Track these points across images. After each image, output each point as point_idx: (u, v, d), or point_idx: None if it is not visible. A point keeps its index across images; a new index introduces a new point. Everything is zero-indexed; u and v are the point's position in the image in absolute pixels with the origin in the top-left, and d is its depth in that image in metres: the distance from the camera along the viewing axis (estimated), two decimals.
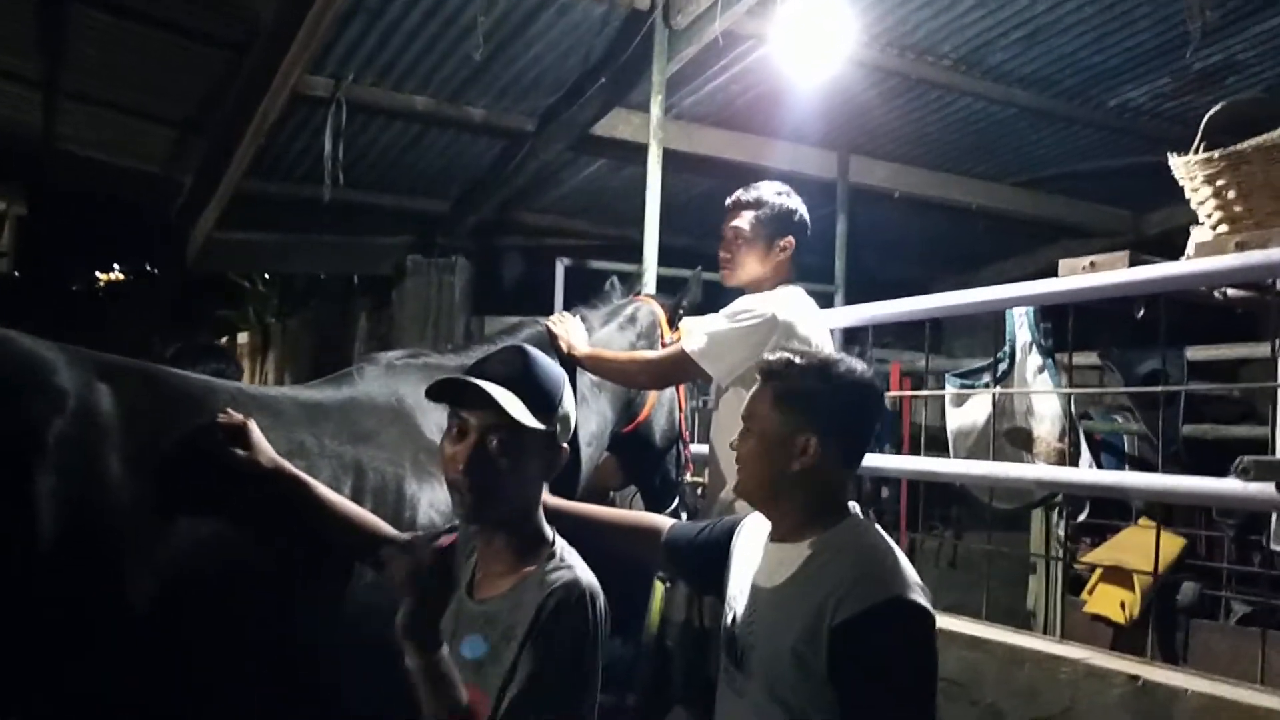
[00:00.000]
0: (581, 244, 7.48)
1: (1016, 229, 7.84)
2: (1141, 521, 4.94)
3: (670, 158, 4.45)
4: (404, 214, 7.53)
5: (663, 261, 4.42)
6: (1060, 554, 4.30)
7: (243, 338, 13.67)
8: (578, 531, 1.97)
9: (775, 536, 1.98)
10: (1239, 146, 2.43)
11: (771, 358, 1.99)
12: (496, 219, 7.50)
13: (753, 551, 2.04)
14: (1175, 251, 3.07)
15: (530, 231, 7.85)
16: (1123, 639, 4.58)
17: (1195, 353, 4.67)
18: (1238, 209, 2.45)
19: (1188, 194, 2.61)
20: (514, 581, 1.86)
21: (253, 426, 2.18)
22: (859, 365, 1.97)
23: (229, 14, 5.20)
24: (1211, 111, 2.58)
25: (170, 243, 8.66)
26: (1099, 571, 4.85)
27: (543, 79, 5.50)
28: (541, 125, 5.93)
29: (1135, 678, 2.44)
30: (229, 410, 2.19)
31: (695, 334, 2.96)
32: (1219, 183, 2.47)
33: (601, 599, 1.83)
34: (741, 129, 6.19)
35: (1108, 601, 4.64)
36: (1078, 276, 2.64)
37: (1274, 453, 3.96)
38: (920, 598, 1.78)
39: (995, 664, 2.79)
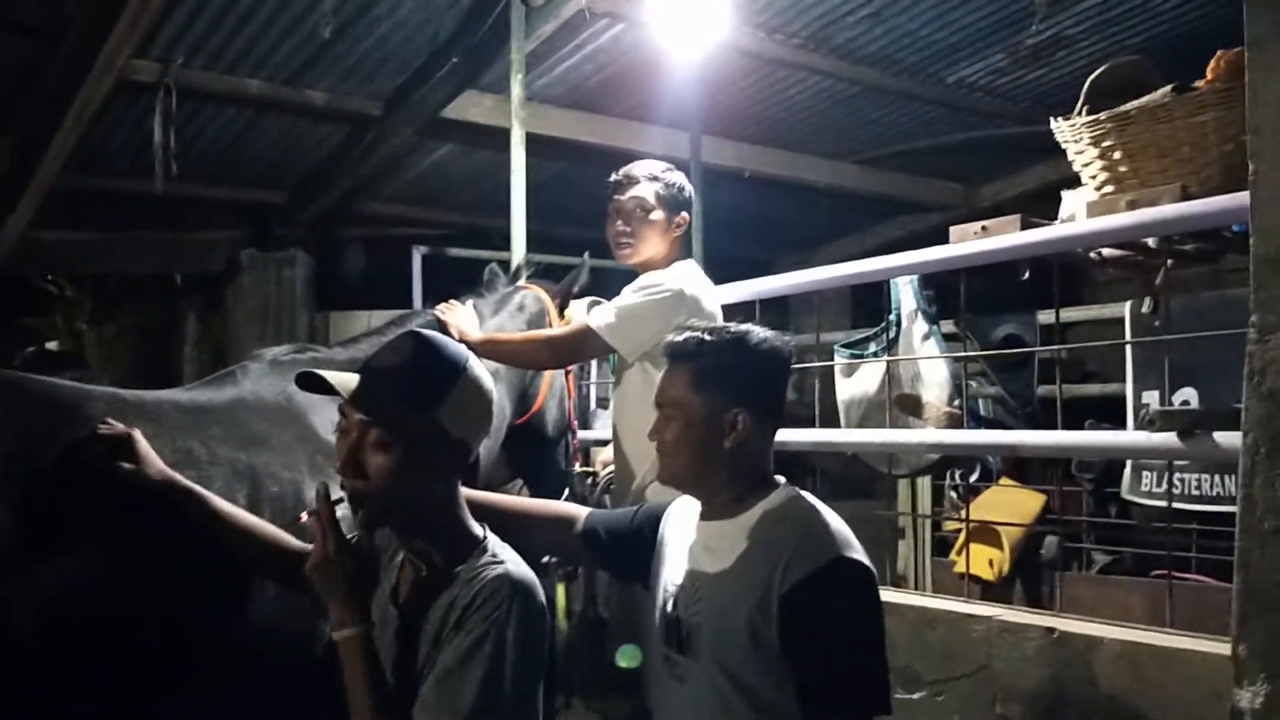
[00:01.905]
0: (429, 233, 7.24)
1: (856, 206, 8.05)
2: (1002, 481, 5.13)
3: None
4: (236, 206, 7.11)
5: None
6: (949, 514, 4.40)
7: (52, 346, 12.72)
8: (486, 523, 1.86)
9: (709, 516, 1.93)
10: (1124, 108, 2.50)
11: (679, 338, 1.93)
12: (338, 209, 7.16)
13: (683, 535, 1.99)
14: None
15: (375, 221, 7.54)
16: (991, 595, 4.74)
17: (1045, 316, 4.86)
18: (1123, 169, 2.53)
19: (1071, 155, 2.68)
20: (444, 584, 1.73)
21: (137, 435, 1.98)
22: (767, 332, 1.95)
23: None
24: (1094, 75, 2.65)
25: None
26: (963, 532, 5.01)
27: (389, 60, 5.27)
28: (388, 109, 5.69)
29: (1050, 630, 2.50)
30: (108, 419, 1.98)
31: (601, 309, 2.88)
32: (1105, 144, 2.54)
33: (536, 593, 1.73)
34: (593, 110, 6.13)
35: (977, 560, 4.79)
36: (973, 241, 2.69)
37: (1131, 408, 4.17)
38: (862, 556, 1.79)
39: (908, 627, 2.82)
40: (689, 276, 2.89)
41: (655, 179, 2.97)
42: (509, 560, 1.75)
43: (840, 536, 1.79)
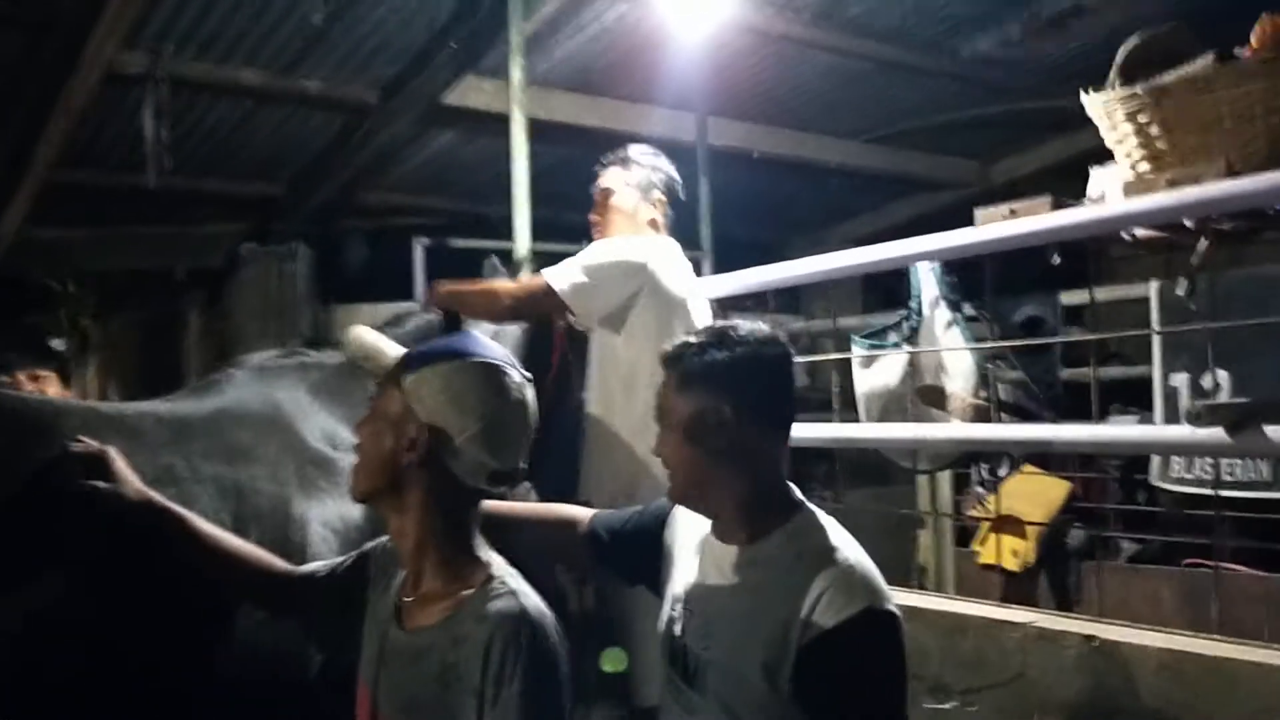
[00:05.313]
0: (432, 223, 7.07)
1: (868, 185, 7.86)
2: (1025, 468, 4.99)
3: None
4: (234, 200, 6.94)
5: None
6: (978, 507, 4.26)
7: (56, 344, 12.65)
8: (491, 532, 1.75)
9: (721, 536, 1.79)
10: (1161, 80, 2.34)
11: (668, 346, 1.81)
12: (338, 200, 6.99)
13: (693, 547, 1.85)
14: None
15: (376, 212, 7.38)
16: (1014, 587, 4.62)
17: (1067, 297, 4.72)
18: (1161, 146, 2.36)
19: (1103, 132, 2.51)
20: (448, 610, 1.62)
21: (113, 453, 1.85)
22: (758, 325, 1.80)
23: None
24: (1128, 44, 2.47)
25: None
26: (986, 522, 4.88)
27: (386, 46, 5.09)
28: (386, 97, 5.52)
29: (1090, 638, 2.36)
30: (80, 436, 1.86)
31: (562, 268, 2.76)
32: (1141, 118, 2.37)
33: (553, 625, 1.61)
34: (597, 93, 5.95)
35: (1001, 551, 4.66)
36: (1002, 224, 2.53)
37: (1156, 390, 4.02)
38: (892, 605, 1.65)
39: (936, 635, 2.68)
40: (657, 252, 2.84)
41: (624, 164, 2.99)
42: (519, 590, 1.62)
43: (871, 582, 1.66)
